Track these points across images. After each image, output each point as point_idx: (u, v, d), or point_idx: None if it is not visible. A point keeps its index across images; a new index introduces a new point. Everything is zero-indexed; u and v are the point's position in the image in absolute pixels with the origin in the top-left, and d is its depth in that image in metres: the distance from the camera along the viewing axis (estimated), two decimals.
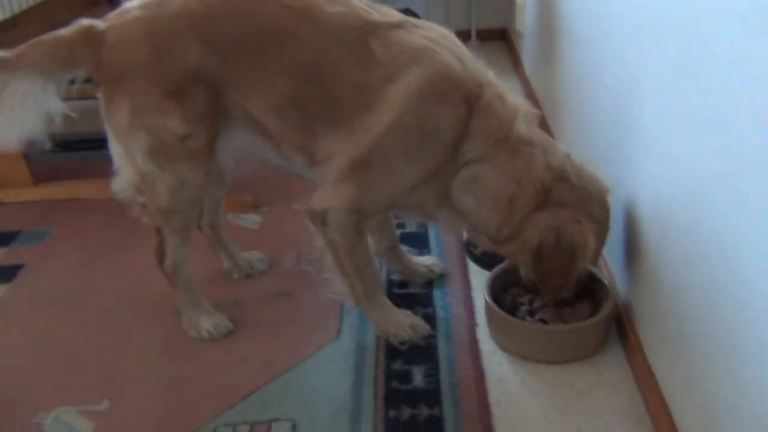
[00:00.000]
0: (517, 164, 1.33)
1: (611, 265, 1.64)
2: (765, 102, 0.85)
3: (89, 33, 1.40)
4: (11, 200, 2.31)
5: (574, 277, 1.42)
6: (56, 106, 1.43)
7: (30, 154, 2.29)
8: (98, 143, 1.63)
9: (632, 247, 1.46)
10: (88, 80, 1.50)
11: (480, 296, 1.66)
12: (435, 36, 1.34)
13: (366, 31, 1.31)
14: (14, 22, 2.35)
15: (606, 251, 1.59)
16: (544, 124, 2.52)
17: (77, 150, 2.64)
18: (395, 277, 1.78)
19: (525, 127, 1.36)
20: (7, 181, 2.32)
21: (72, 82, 1.47)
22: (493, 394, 1.41)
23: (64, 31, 1.41)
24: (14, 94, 1.38)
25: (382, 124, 1.30)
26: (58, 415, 1.46)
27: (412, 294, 1.73)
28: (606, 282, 1.54)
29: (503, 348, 1.52)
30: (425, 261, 1.78)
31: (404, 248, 1.80)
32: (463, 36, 3.31)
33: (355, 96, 1.32)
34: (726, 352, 1.00)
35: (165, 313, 1.72)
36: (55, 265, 2.00)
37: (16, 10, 2.37)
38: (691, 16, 1.09)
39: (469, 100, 1.32)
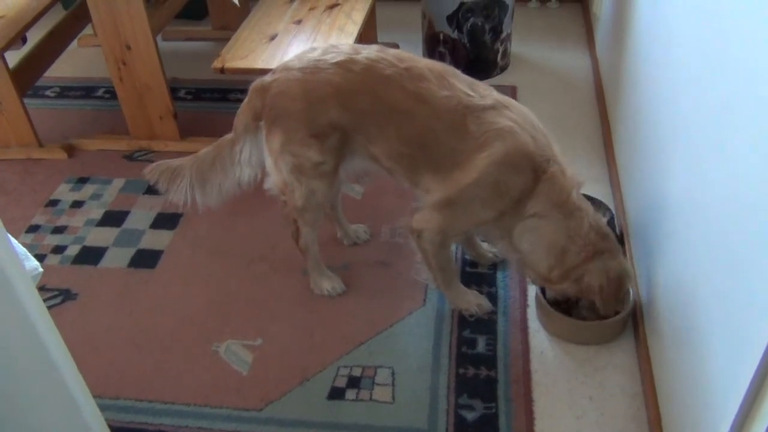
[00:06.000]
0: (569, 224, 1.79)
1: (640, 276, 2.07)
2: None
3: (260, 86, 1.90)
4: (161, 149, 2.89)
5: (626, 298, 1.95)
6: (262, 155, 1.98)
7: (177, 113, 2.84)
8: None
9: (655, 261, 1.90)
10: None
11: None
12: (518, 118, 1.77)
13: (465, 113, 1.75)
14: None
15: (637, 263, 2.08)
16: (602, 106, 2.87)
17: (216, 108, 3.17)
18: (468, 257, 2.31)
19: (577, 196, 1.80)
20: (159, 135, 2.89)
21: None
22: (534, 364, 1.96)
23: (248, 96, 1.93)
24: (240, 157, 1.97)
25: (468, 180, 1.76)
26: (228, 346, 2.07)
27: (480, 273, 2.26)
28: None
29: (545, 329, 2.06)
30: (492, 248, 2.29)
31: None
32: None
33: (451, 157, 1.78)
34: (696, 356, 1.45)
35: (294, 270, 2.30)
36: (205, 216, 2.54)
37: None
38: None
39: (536, 170, 1.76)
